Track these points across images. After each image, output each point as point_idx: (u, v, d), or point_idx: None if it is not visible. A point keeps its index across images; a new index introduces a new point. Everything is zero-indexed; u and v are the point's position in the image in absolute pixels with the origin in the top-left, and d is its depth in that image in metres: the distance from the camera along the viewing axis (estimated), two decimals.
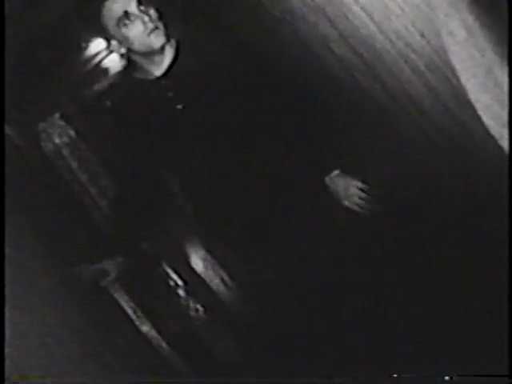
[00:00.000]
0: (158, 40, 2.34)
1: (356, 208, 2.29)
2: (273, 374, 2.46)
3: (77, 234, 2.92)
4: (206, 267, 3.18)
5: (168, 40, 2.37)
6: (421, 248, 2.04)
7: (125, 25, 2.32)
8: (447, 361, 1.96)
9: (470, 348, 1.98)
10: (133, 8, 2.32)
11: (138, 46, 2.35)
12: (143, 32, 2.32)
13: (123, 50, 2.38)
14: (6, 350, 1.64)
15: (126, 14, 2.31)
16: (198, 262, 3.20)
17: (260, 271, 2.46)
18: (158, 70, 2.41)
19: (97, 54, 3.15)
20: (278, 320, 2.58)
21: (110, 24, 2.32)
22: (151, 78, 2.42)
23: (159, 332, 3.05)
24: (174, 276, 3.18)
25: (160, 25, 2.33)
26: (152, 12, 2.34)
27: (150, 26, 2.31)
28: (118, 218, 2.65)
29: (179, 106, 2.43)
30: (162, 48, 2.37)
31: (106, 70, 3.18)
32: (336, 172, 2.35)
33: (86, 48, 3.12)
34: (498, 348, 1.69)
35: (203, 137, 2.42)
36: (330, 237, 2.23)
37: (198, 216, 2.72)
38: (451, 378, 1.84)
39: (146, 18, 2.31)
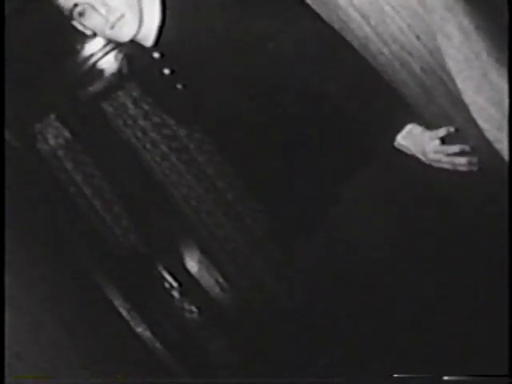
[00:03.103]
0: (125, 32, 1.96)
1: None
2: (267, 375, 2.47)
3: (73, 235, 2.93)
4: (200, 269, 3.19)
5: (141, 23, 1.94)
6: (420, 249, 2.04)
7: (81, 15, 1.92)
8: (447, 361, 1.97)
9: (470, 348, 1.98)
10: None
11: (103, 36, 2.00)
12: (104, 25, 1.93)
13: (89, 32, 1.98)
14: (6, 354, 1.64)
15: (76, 6, 1.90)
16: (192, 263, 3.20)
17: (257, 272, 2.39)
18: (147, 41, 2.01)
19: (92, 55, 3.16)
20: (272, 321, 2.58)
21: (65, 12, 1.94)
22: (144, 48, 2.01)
23: (154, 333, 3.05)
24: (169, 277, 3.19)
25: (127, 9, 1.93)
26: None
27: (111, 19, 1.92)
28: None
29: (180, 86, 2.05)
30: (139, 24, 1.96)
31: (101, 72, 3.18)
32: None
33: (81, 49, 3.12)
34: (498, 348, 1.70)
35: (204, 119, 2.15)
36: (328, 245, 2.15)
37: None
38: (451, 378, 1.85)
39: (103, 10, 1.90)
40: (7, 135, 2.82)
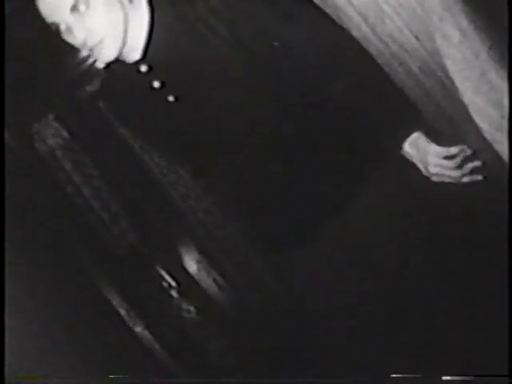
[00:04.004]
0: (103, 57, 1.88)
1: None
2: (266, 375, 2.47)
3: (71, 234, 2.92)
4: (199, 268, 3.18)
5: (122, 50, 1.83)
6: (420, 249, 2.05)
7: (59, 31, 1.85)
8: (447, 361, 1.97)
9: (470, 348, 1.98)
10: (65, 18, 1.79)
11: None
12: (82, 46, 1.86)
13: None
14: (6, 354, 1.65)
15: (53, 24, 1.85)
16: (191, 263, 3.20)
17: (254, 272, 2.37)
18: (134, 53, 1.90)
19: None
20: (271, 321, 2.58)
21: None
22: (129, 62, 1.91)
23: (152, 333, 3.05)
24: (167, 277, 3.18)
25: (108, 33, 1.82)
26: (86, 38, 1.80)
27: (89, 43, 1.84)
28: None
29: (171, 98, 1.94)
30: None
31: (99, 71, 3.17)
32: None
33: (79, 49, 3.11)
34: (498, 348, 1.70)
35: (202, 131, 2.00)
36: (329, 247, 2.12)
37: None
38: (451, 378, 1.85)
39: (82, 34, 1.81)
40: (5, 135, 2.82)
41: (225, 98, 1.94)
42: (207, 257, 3.18)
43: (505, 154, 1.76)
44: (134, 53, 1.92)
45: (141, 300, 3.08)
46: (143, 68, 1.92)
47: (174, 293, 3.16)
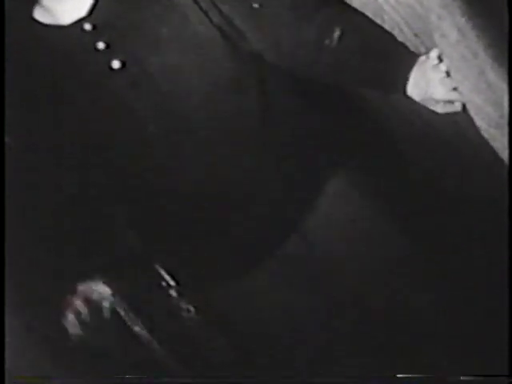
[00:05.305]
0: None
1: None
2: (267, 375, 2.47)
3: (72, 234, 2.92)
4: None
5: None
6: (420, 249, 2.05)
7: None
8: (447, 361, 1.97)
9: (470, 348, 1.98)
10: None
11: None
12: None
13: None
14: (6, 354, 1.65)
15: None
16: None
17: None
18: (78, 10, 1.71)
19: None
20: (272, 319, 2.58)
21: None
22: (66, 22, 1.72)
23: (151, 332, 3.04)
24: (166, 276, 3.18)
25: None
26: None
27: None
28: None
29: (116, 64, 1.72)
30: None
31: None
32: None
33: None
34: (498, 348, 1.70)
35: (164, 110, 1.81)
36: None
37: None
38: (451, 378, 1.86)
39: None
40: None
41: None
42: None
43: (504, 154, 1.77)
44: (80, 8, 1.74)
45: (140, 299, 3.07)
46: (87, 26, 1.74)
47: (173, 292, 3.15)
